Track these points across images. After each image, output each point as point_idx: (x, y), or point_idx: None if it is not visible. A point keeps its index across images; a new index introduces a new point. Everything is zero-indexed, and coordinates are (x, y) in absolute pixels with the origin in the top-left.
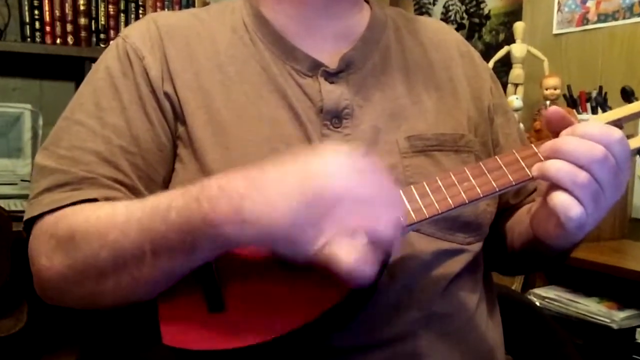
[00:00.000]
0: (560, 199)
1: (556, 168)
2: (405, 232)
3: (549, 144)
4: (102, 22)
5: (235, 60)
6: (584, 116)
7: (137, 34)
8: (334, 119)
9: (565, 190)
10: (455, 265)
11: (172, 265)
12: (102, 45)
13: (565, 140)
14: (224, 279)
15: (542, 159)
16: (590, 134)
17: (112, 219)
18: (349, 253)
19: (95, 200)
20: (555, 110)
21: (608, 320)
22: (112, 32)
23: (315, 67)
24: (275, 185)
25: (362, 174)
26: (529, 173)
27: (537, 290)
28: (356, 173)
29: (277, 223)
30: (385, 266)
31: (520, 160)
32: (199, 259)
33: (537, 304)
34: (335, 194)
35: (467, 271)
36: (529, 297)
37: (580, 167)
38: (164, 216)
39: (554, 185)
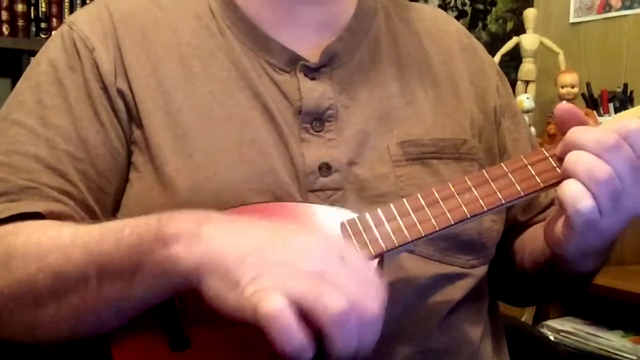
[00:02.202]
0: (569, 188)
1: (574, 158)
2: (396, 254)
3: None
4: (43, 9)
5: (199, 52)
6: (605, 118)
7: (86, 21)
8: (315, 121)
9: (581, 182)
10: (455, 292)
11: (114, 292)
12: (43, 36)
13: (573, 130)
14: (187, 315)
15: (554, 163)
16: (604, 125)
17: (55, 241)
18: (275, 300)
19: (38, 214)
20: (566, 107)
21: (634, 358)
22: (54, 20)
23: (293, 61)
24: (244, 221)
25: (343, 262)
26: (540, 182)
27: (552, 323)
28: (336, 256)
29: (228, 251)
30: (382, 252)
31: (529, 167)
32: (137, 286)
33: (552, 338)
34: (302, 250)
35: (470, 299)
36: (541, 330)
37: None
38: (116, 236)
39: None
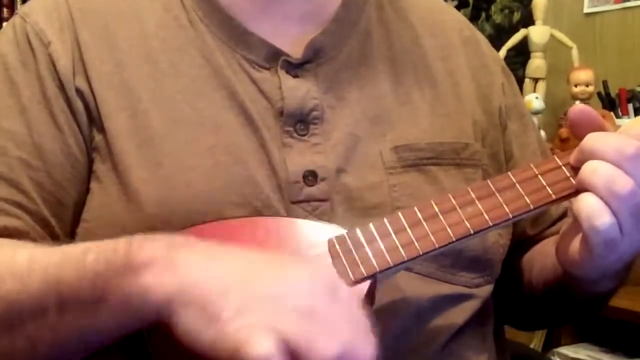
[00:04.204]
0: (585, 203)
1: (591, 169)
2: (391, 274)
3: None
4: None
5: (167, 46)
6: (624, 120)
7: (40, 12)
8: (299, 123)
9: (599, 196)
10: (458, 315)
11: (76, 323)
12: None
13: (590, 136)
14: (158, 350)
15: (568, 173)
16: (624, 129)
17: (9, 266)
18: (264, 343)
19: None
20: (581, 109)
21: None
22: (5, 10)
23: (273, 57)
24: (225, 248)
25: (335, 298)
26: (551, 193)
27: (564, 350)
28: (327, 290)
29: (207, 282)
30: (376, 272)
31: (540, 177)
32: (102, 317)
33: None
34: (290, 283)
35: (474, 323)
36: (552, 358)
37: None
38: (77, 261)
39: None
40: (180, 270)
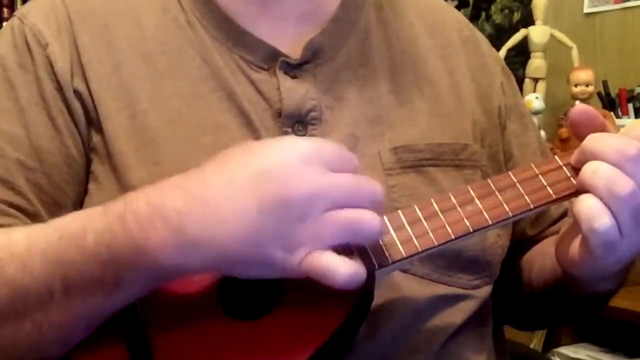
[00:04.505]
0: (585, 204)
1: (592, 170)
2: (389, 272)
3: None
4: None
5: (166, 48)
6: (624, 120)
7: (38, 14)
8: (297, 124)
9: (599, 198)
10: (456, 316)
11: (89, 308)
12: None
13: (591, 137)
14: (152, 325)
15: (568, 173)
16: (626, 130)
17: (7, 249)
18: (340, 263)
19: None
20: (583, 109)
21: None
22: (5, 10)
23: (272, 57)
24: (222, 194)
25: (330, 167)
26: (552, 193)
27: (564, 350)
28: (322, 166)
29: (233, 244)
30: (374, 269)
31: (540, 177)
32: (125, 297)
33: None
34: (303, 196)
35: (472, 324)
36: (552, 358)
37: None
38: (77, 243)
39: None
40: (202, 243)
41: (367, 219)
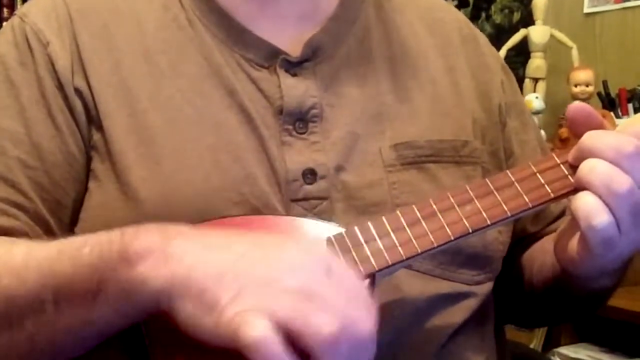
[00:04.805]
0: (582, 201)
1: (589, 167)
2: (390, 273)
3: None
4: None
5: (167, 46)
6: (624, 120)
7: (39, 13)
8: (298, 122)
9: (597, 195)
10: (457, 314)
11: (74, 317)
12: None
13: (589, 134)
14: (157, 347)
15: (566, 171)
16: (623, 127)
17: (7, 261)
18: (259, 325)
19: None
20: (580, 107)
21: None
22: (5, 10)
23: (272, 56)
24: (218, 234)
25: (330, 275)
26: (550, 192)
27: (564, 350)
28: (322, 268)
29: (202, 269)
30: (374, 271)
31: (539, 175)
32: (100, 310)
33: None
34: (284, 264)
35: (474, 322)
36: (552, 358)
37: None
38: (73, 254)
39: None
40: (175, 259)
41: (319, 319)
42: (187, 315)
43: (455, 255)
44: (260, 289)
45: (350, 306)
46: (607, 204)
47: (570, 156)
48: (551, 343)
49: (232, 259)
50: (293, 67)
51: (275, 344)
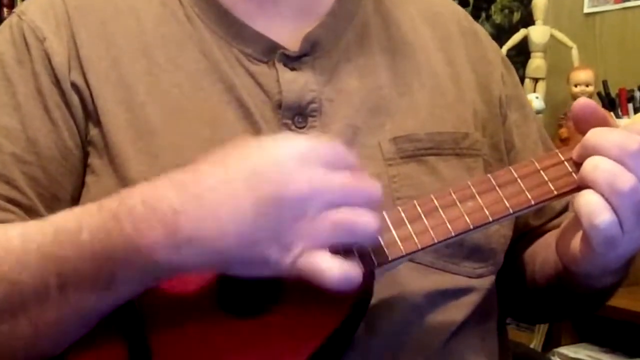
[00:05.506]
0: (586, 200)
1: (593, 165)
2: (389, 269)
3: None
4: None
5: (165, 42)
6: (624, 121)
7: (37, 10)
8: (297, 116)
9: (600, 193)
10: (459, 310)
11: (84, 304)
12: None
13: (593, 131)
14: (151, 324)
15: (570, 168)
16: (627, 125)
17: (3, 246)
18: (332, 264)
19: None
20: (585, 103)
21: None
22: (5, 10)
23: (271, 50)
24: (218, 193)
25: (327, 166)
26: (553, 189)
27: (564, 350)
28: (319, 165)
29: (228, 243)
30: (373, 267)
31: (542, 172)
32: (120, 294)
33: None
34: (298, 196)
35: (476, 318)
36: (552, 358)
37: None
38: (72, 239)
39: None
40: (195, 243)
41: (363, 219)
42: (240, 275)
43: (457, 248)
44: (294, 231)
45: (362, 195)
46: (610, 203)
47: (574, 153)
48: (551, 343)
49: (249, 219)
50: (292, 61)
51: (353, 275)
